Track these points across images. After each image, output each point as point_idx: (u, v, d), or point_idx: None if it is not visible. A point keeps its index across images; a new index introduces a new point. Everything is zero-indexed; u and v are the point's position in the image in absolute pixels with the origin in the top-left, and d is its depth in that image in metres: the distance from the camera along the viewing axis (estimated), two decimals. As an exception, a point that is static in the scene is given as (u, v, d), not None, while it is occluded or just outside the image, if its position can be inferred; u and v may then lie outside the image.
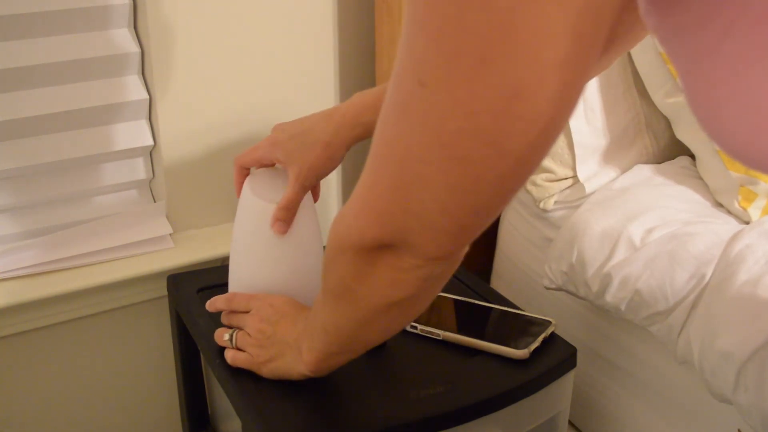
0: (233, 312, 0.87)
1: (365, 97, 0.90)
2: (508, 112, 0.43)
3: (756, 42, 0.39)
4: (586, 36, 0.41)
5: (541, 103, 0.43)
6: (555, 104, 0.43)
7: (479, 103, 0.43)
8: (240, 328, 0.85)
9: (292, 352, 0.79)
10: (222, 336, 0.86)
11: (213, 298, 0.90)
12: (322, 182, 1.28)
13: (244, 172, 0.93)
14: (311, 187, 0.91)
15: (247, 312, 0.86)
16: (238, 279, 0.92)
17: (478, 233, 0.53)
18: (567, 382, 0.91)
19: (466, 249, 0.57)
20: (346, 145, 0.89)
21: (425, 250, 0.55)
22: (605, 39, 0.43)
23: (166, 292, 1.07)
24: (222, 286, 0.97)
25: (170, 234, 1.16)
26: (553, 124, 0.44)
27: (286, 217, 0.88)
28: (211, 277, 1.04)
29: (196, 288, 1.02)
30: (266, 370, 0.82)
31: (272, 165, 0.92)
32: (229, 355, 0.85)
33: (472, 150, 0.45)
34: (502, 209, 0.52)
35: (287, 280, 0.90)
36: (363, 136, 0.89)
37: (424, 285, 0.59)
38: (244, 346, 0.84)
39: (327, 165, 0.89)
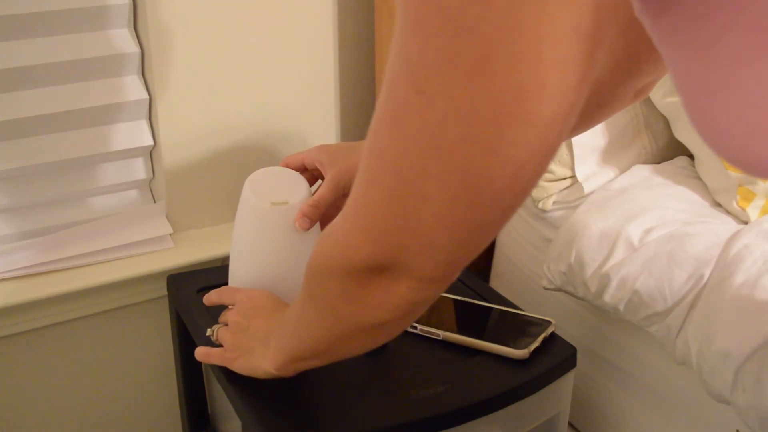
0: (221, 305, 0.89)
1: None
2: (509, 116, 0.41)
3: (750, 45, 0.39)
4: (587, 36, 0.41)
5: (542, 107, 0.41)
6: (556, 108, 0.42)
7: (480, 109, 0.41)
8: (224, 323, 0.86)
9: (261, 348, 0.78)
10: (207, 331, 0.87)
11: (209, 293, 0.91)
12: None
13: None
14: (344, 191, 0.89)
15: (232, 305, 0.86)
16: (238, 279, 0.92)
17: (478, 252, 0.51)
18: (567, 382, 0.92)
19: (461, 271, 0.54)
20: None
21: (422, 271, 0.51)
22: (608, 38, 0.42)
23: (166, 292, 1.07)
24: (222, 286, 0.97)
25: (170, 234, 1.16)
26: (554, 130, 0.43)
27: (311, 215, 0.87)
28: (211, 277, 1.04)
29: (196, 288, 1.02)
30: (236, 366, 0.81)
31: (314, 167, 0.93)
32: (201, 352, 0.84)
33: (472, 159, 0.43)
34: (503, 225, 0.50)
35: (287, 281, 0.90)
36: None
37: (415, 309, 0.56)
38: (222, 340, 0.84)
39: None
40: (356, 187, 0.51)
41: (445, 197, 0.45)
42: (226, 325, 0.85)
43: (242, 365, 0.80)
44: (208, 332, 0.86)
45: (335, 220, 0.54)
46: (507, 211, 0.48)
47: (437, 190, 0.45)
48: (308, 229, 0.87)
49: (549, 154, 0.45)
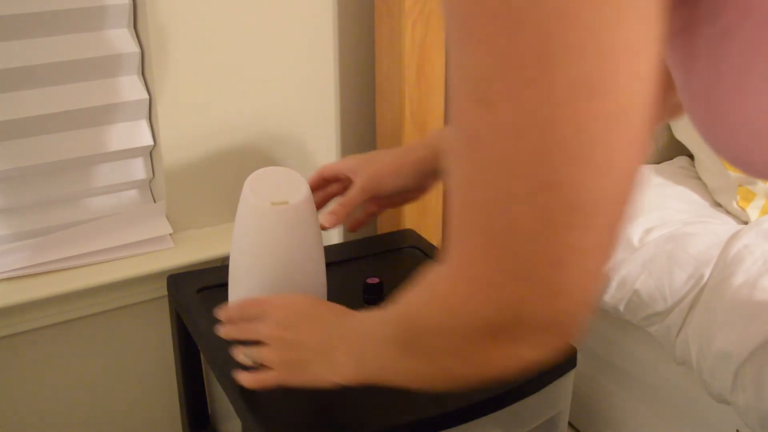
0: (247, 321, 0.77)
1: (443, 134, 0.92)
2: (584, 113, 0.37)
3: (755, 47, 0.38)
4: (650, 17, 0.37)
5: (619, 98, 0.37)
6: (634, 97, 0.38)
7: (549, 110, 0.37)
8: (257, 341, 0.75)
9: (320, 359, 0.68)
10: (240, 355, 0.76)
11: (225, 307, 0.81)
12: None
13: (320, 178, 0.98)
14: (371, 194, 0.92)
15: (261, 319, 0.75)
16: (238, 279, 0.92)
17: (599, 283, 0.44)
18: (567, 382, 0.92)
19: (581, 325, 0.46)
20: (414, 164, 0.91)
21: (543, 325, 0.44)
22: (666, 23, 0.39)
23: (166, 292, 1.07)
24: (222, 286, 0.97)
25: (170, 234, 1.16)
26: (637, 121, 0.39)
27: (339, 213, 0.90)
28: (211, 277, 1.04)
29: (196, 288, 1.02)
30: (294, 382, 0.71)
31: (345, 176, 0.96)
32: (250, 379, 0.73)
33: (558, 169, 0.38)
34: (614, 246, 0.43)
35: (288, 281, 0.90)
36: (435, 163, 0.90)
37: (536, 366, 0.49)
38: (266, 360, 0.73)
39: (391, 178, 0.91)
40: (453, 237, 0.45)
41: (541, 222, 0.40)
42: (260, 342, 0.74)
43: (302, 381, 0.71)
44: (242, 357, 0.76)
45: (436, 270, 0.48)
46: (610, 225, 0.41)
47: (530, 216, 0.40)
48: (332, 226, 0.90)
49: (639, 148, 0.40)
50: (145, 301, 1.16)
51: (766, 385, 0.90)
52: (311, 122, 1.25)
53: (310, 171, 1.27)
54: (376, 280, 0.89)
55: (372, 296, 0.89)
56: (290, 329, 0.72)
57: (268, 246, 0.89)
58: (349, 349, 0.65)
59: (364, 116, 1.30)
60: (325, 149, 1.28)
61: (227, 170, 1.20)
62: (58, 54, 1.05)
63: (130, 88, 1.11)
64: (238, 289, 0.92)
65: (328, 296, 0.95)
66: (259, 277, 0.90)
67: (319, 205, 0.99)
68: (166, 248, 1.15)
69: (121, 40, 1.09)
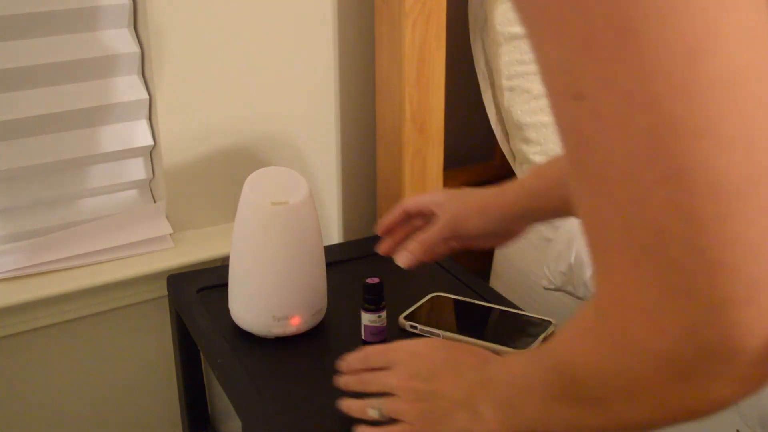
0: (369, 371, 0.72)
1: (540, 181, 0.80)
2: (690, 80, 0.32)
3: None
4: None
5: (727, 55, 0.33)
6: (743, 59, 0.33)
7: (650, 83, 0.33)
8: (384, 393, 0.68)
9: (465, 411, 0.61)
10: (366, 410, 0.69)
11: (347, 359, 0.75)
12: (321, 184, 1.29)
13: (403, 216, 0.90)
14: (453, 233, 0.84)
15: (389, 369, 0.69)
16: (238, 279, 0.92)
17: None
18: (566, 382, 0.92)
19: None
20: (503, 207, 0.81)
21: (726, 347, 0.36)
22: None
23: (166, 292, 1.07)
24: (222, 286, 0.97)
25: (170, 234, 1.16)
26: (750, 86, 0.33)
27: (417, 252, 0.82)
28: (211, 277, 1.04)
29: (196, 288, 1.02)
30: None
31: (428, 208, 0.88)
32: None
33: (678, 151, 0.33)
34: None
35: (288, 281, 0.90)
36: (527, 204, 0.80)
37: (722, 408, 0.40)
38: (400, 413, 0.66)
39: (476, 219, 0.82)
40: (595, 267, 0.40)
41: (682, 217, 0.34)
42: (388, 394, 0.68)
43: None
44: (372, 413, 0.69)
45: (588, 306, 0.42)
46: (758, 195, 0.34)
47: (668, 212, 0.35)
48: (409, 266, 0.83)
49: (762, 120, 0.34)
50: (145, 301, 1.16)
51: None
52: (311, 122, 1.25)
53: (310, 171, 1.27)
54: (376, 280, 0.89)
55: (372, 296, 0.89)
56: (425, 379, 0.65)
57: (268, 246, 0.89)
58: (496, 399, 0.58)
59: (364, 116, 1.30)
60: (325, 149, 1.28)
61: (227, 170, 1.20)
62: (58, 54, 1.05)
63: (130, 88, 1.11)
64: (238, 289, 0.92)
65: (328, 296, 0.95)
66: (259, 277, 0.90)
67: (400, 242, 0.91)
68: (166, 248, 1.15)
69: (121, 40, 1.09)
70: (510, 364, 0.59)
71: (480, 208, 0.83)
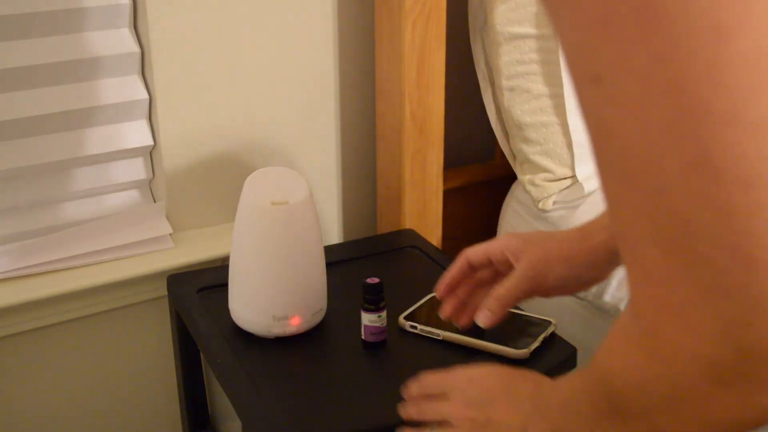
0: (425, 398, 0.71)
1: None
2: (713, 61, 0.31)
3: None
4: None
5: (755, 34, 0.30)
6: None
7: (672, 67, 0.31)
8: (441, 420, 0.68)
9: None
10: None
11: (407, 387, 0.74)
12: (321, 184, 1.29)
13: (466, 265, 0.81)
14: (537, 286, 0.75)
15: (446, 396, 0.69)
16: (238, 279, 0.92)
17: None
18: (566, 382, 0.92)
19: None
20: (593, 252, 0.73)
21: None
22: None
23: (166, 292, 1.07)
24: (222, 286, 0.97)
25: (170, 234, 1.16)
26: None
27: (496, 311, 0.75)
28: (211, 277, 1.04)
29: (196, 288, 1.02)
30: None
31: (502, 255, 0.78)
32: None
33: (703, 138, 0.31)
34: None
35: (288, 281, 0.90)
36: (616, 248, 0.72)
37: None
38: None
39: (562, 266, 0.74)
40: (628, 271, 0.38)
41: (710, 209, 0.32)
42: (443, 422, 0.68)
43: None
44: None
45: (626, 314, 0.40)
46: None
47: (696, 204, 0.33)
48: (490, 326, 0.76)
49: None
50: (145, 301, 1.16)
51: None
52: (311, 122, 1.25)
53: (310, 171, 1.27)
54: (376, 280, 0.89)
55: (372, 296, 0.89)
56: (480, 407, 0.64)
57: (268, 246, 0.89)
58: (549, 424, 0.57)
59: (364, 116, 1.30)
60: (324, 149, 1.28)
61: (227, 170, 1.20)
62: (58, 54, 1.05)
63: (130, 88, 1.11)
64: (238, 289, 0.92)
65: (328, 296, 0.95)
66: (259, 277, 0.90)
67: (465, 298, 0.84)
68: (166, 248, 1.15)
69: (121, 40, 1.09)
70: (559, 386, 0.58)
71: (564, 257, 0.74)
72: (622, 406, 0.44)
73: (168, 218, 1.17)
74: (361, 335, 0.91)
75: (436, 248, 1.15)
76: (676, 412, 0.40)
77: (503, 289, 0.74)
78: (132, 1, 1.08)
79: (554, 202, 1.23)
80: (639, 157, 0.33)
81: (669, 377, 0.38)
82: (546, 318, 0.93)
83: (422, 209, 1.25)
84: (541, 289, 0.77)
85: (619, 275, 1.07)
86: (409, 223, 1.24)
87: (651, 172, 0.33)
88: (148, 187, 1.21)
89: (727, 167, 0.31)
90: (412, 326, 0.92)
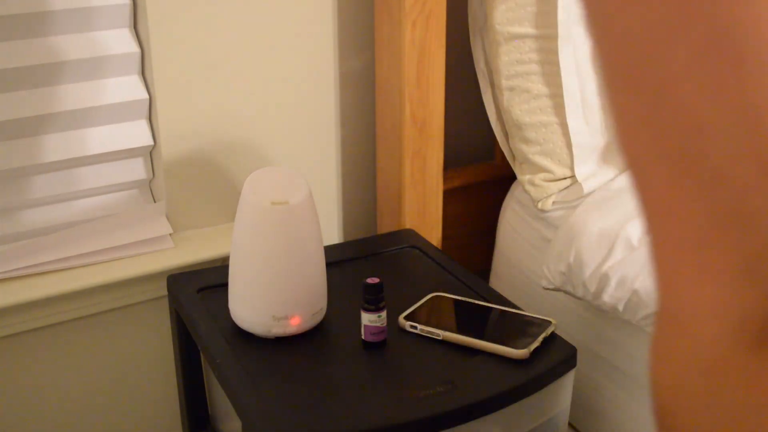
0: None
1: None
2: (734, 59, 0.27)
3: None
4: None
5: None
6: None
7: (692, 58, 0.28)
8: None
9: None
10: None
11: None
12: (321, 184, 1.29)
13: None
14: None
15: None
16: (238, 279, 0.92)
17: None
18: (567, 382, 0.92)
19: None
20: None
21: None
22: None
23: (166, 292, 1.07)
24: (222, 286, 0.97)
25: (170, 234, 1.16)
26: None
27: None
28: (211, 277, 1.04)
29: (196, 288, 1.02)
30: None
31: None
32: None
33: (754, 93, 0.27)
34: None
35: (288, 281, 0.90)
36: None
37: None
38: None
39: None
40: (657, 274, 0.33)
41: (729, 108, 0.28)
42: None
43: None
44: None
45: (658, 319, 0.34)
46: None
47: (705, 98, 0.28)
48: None
49: None
50: (145, 301, 1.16)
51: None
52: (311, 122, 1.25)
53: (309, 171, 1.27)
54: (376, 280, 0.89)
55: (372, 296, 0.89)
56: None
57: (268, 246, 0.89)
58: None
59: (364, 116, 1.30)
60: (324, 149, 1.28)
61: (227, 170, 1.20)
62: (58, 54, 1.05)
63: (130, 88, 1.11)
64: (238, 289, 0.92)
65: (328, 296, 0.95)
66: (259, 277, 0.90)
67: None
68: (166, 248, 1.15)
69: (121, 40, 1.09)
70: None
71: None
72: (671, 423, 0.35)
73: (168, 218, 1.17)
74: (361, 335, 0.91)
75: (435, 248, 1.15)
76: (716, 407, 0.32)
77: None
78: (132, 2, 1.08)
79: (554, 202, 1.23)
80: (642, 47, 0.29)
81: (697, 356, 0.32)
82: (546, 318, 0.93)
83: (422, 209, 1.25)
84: None
85: (618, 275, 1.07)
86: (409, 223, 1.24)
87: (656, 62, 0.29)
88: (148, 187, 1.21)
89: (749, 45, 0.27)
90: (412, 326, 0.93)
